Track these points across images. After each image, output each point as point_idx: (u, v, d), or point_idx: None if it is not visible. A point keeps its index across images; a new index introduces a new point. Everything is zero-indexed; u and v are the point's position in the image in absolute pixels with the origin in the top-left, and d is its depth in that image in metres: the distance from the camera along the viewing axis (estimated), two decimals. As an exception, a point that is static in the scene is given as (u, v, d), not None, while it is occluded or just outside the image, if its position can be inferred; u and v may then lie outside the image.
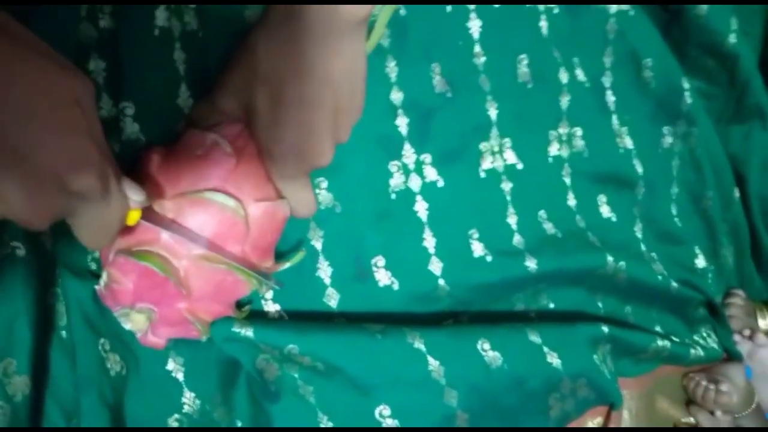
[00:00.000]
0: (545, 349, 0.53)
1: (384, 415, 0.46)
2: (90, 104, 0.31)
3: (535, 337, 0.52)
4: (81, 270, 0.41)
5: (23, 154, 0.28)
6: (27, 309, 0.39)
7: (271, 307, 0.46)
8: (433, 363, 0.47)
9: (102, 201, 0.31)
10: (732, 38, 0.66)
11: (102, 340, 0.42)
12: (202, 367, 0.44)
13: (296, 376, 0.44)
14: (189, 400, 0.43)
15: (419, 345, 0.47)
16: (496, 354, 0.50)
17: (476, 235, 0.52)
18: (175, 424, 0.43)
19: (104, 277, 0.38)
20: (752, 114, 0.70)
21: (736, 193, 0.72)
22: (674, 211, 0.70)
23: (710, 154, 0.70)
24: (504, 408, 0.51)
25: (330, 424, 0.44)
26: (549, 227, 0.56)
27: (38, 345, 0.40)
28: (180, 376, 0.43)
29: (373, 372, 0.46)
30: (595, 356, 0.56)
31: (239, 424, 0.44)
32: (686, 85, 0.68)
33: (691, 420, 0.68)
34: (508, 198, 0.54)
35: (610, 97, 0.65)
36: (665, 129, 0.69)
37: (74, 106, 0.30)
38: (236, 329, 0.42)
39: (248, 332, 0.42)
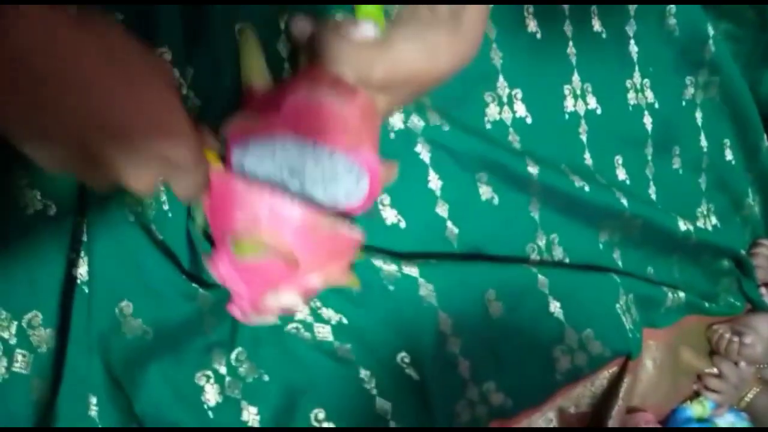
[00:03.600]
0: (549, 298, 0.53)
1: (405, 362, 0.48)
2: (176, 84, 0.37)
3: (542, 287, 0.53)
4: (111, 230, 0.42)
5: (137, 133, 0.32)
6: (55, 264, 0.41)
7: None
8: (442, 315, 0.48)
9: (195, 167, 0.35)
10: (762, -23, 0.64)
11: (124, 303, 0.43)
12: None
13: None
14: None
15: (431, 300, 0.48)
16: (500, 304, 0.51)
17: (485, 179, 0.52)
18: (203, 381, 0.45)
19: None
20: (783, 57, 0.68)
21: (765, 142, 0.70)
22: (703, 165, 0.69)
23: (734, 102, 0.68)
24: (506, 358, 0.51)
25: None
26: (576, 179, 0.55)
27: (64, 300, 0.42)
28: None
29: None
30: (617, 305, 0.56)
31: (266, 379, 0.46)
32: (711, 31, 0.67)
33: (714, 371, 0.67)
34: (520, 150, 0.54)
35: (633, 48, 0.64)
36: (687, 79, 0.68)
37: (174, 87, 0.35)
38: None
39: None
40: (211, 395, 0.44)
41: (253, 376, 0.45)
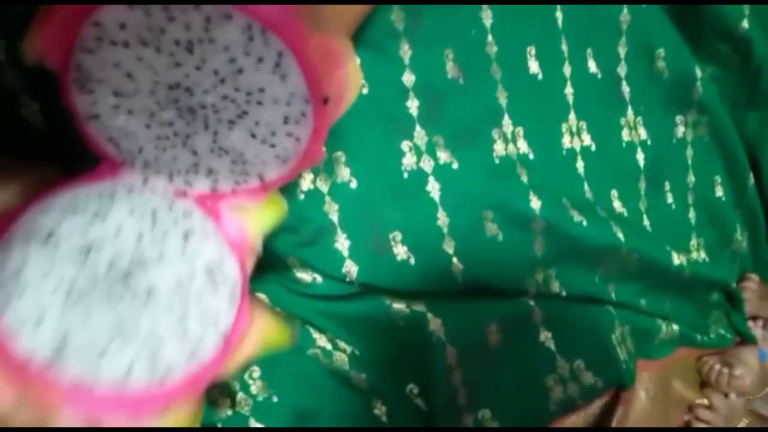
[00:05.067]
0: (541, 328, 0.55)
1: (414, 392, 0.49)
2: None
3: (536, 318, 0.54)
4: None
5: None
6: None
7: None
8: (449, 348, 0.50)
9: None
10: (745, 23, 0.67)
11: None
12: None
13: None
14: None
15: (439, 334, 0.50)
16: (499, 336, 0.52)
17: (490, 216, 0.54)
18: (215, 393, 0.47)
19: None
20: (766, 99, 0.71)
21: (751, 180, 0.73)
22: (690, 200, 0.72)
23: (722, 141, 0.71)
24: (501, 386, 0.53)
25: None
26: (575, 214, 0.57)
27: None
28: None
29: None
30: (613, 336, 0.57)
31: (275, 400, 0.47)
32: (699, 73, 0.70)
33: (705, 402, 0.69)
34: (527, 183, 0.56)
35: (625, 88, 0.67)
36: (678, 118, 0.71)
37: None
38: None
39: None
40: (222, 409, 0.45)
41: (264, 396, 0.46)
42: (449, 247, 0.52)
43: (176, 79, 0.31)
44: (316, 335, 0.48)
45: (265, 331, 0.35)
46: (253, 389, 0.46)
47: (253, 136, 0.34)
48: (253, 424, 0.45)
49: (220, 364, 0.33)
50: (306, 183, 0.48)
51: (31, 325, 0.30)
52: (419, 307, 0.49)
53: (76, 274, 0.31)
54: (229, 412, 0.45)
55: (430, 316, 0.49)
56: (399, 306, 0.48)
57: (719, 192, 0.74)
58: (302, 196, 0.48)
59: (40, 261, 0.31)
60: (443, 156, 0.51)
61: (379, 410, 0.48)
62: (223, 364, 0.33)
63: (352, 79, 0.36)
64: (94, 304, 0.31)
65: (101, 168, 0.34)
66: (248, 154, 0.34)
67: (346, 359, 0.48)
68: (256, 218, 0.37)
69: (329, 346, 0.48)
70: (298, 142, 0.34)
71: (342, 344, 0.48)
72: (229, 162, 0.35)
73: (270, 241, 0.47)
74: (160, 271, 0.33)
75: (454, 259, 0.52)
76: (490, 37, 0.55)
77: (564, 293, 0.59)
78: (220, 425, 0.45)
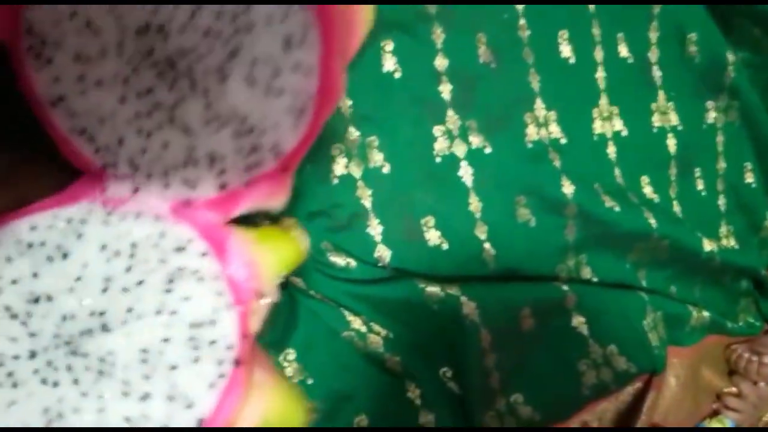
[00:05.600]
0: (574, 313, 0.54)
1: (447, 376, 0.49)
2: None
3: (570, 303, 0.54)
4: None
5: None
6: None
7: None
8: (483, 332, 0.50)
9: None
10: (779, 6, 0.66)
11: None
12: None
13: None
14: None
15: (474, 317, 0.49)
16: (532, 320, 0.52)
17: (523, 201, 0.53)
18: None
19: None
20: (800, 85, 0.70)
21: (784, 166, 0.72)
22: (719, 187, 0.71)
23: (753, 127, 0.70)
24: (534, 371, 0.53)
25: None
26: (606, 200, 0.57)
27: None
28: None
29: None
30: (644, 322, 0.57)
31: (310, 382, 0.47)
32: (731, 58, 0.69)
33: (734, 390, 0.69)
34: (559, 168, 0.56)
35: (656, 73, 0.66)
36: (708, 103, 0.70)
37: None
38: None
39: None
40: None
41: (299, 378, 0.47)
42: (481, 233, 0.52)
43: (144, 18, 0.26)
44: (350, 318, 0.48)
45: (268, 412, 0.28)
46: (289, 371, 0.47)
47: (253, 84, 0.27)
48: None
49: None
50: (339, 168, 0.48)
51: None
52: (453, 291, 0.49)
53: (12, 335, 0.25)
54: None
55: (464, 299, 0.49)
56: (433, 289, 0.48)
57: (749, 178, 0.73)
58: (336, 181, 0.48)
59: None
60: (476, 140, 0.51)
61: (413, 393, 0.48)
62: None
63: None
64: (27, 383, 0.25)
65: (78, 185, 0.28)
66: (253, 116, 0.28)
67: (381, 342, 0.48)
68: (273, 255, 0.30)
69: (364, 329, 0.48)
70: (309, 77, 0.27)
71: (376, 327, 0.48)
72: (232, 136, 0.28)
73: (303, 225, 0.47)
74: (123, 334, 0.26)
75: (486, 245, 0.52)
76: (522, 21, 0.55)
77: (595, 279, 0.59)
78: None
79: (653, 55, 0.66)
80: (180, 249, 0.27)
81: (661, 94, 0.66)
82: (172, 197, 0.28)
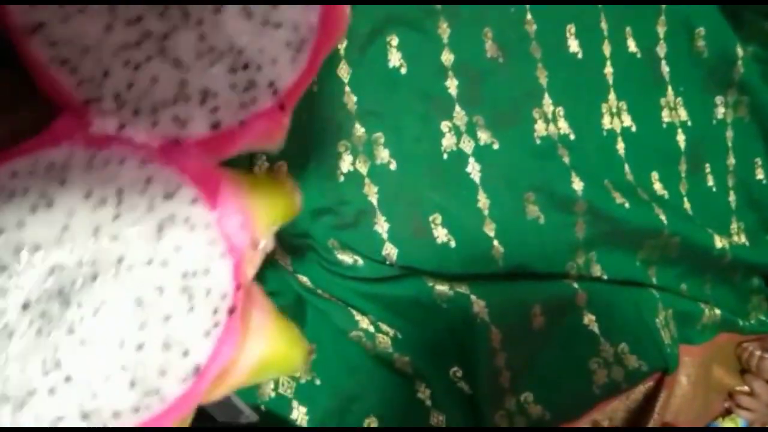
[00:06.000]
0: (585, 311, 0.54)
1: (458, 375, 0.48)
2: None
3: (580, 301, 0.53)
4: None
5: None
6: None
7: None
8: (493, 330, 0.49)
9: None
10: (790, 1, 0.65)
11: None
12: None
13: None
14: None
15: (483, 316, 0.49)
16: (543, 318, 0.51)
17: (532, 198, 0.53)
18: None
19: None
20: (810, 80, 0.70)
21: (795, 162, 0.71)
22: (730, 183, 0.70)
23: (763, 122, 0.69)
24: (544, 370, 0.52)
25: None
26: (617, 196, 0.56)
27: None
28: None
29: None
30: (656, 320, 0.56)
31: (317, 383, 0.46)
32: (740, 52, 0.68)
33: (746, 388, 0.68)
34: (568, 164, 0.55)
35: (665, 68, 0.65)
36: (718, 99, 0.69)
37: None
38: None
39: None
40: (265, 390, 0.45)
41: (307, 378, 0.46)
42: (490, 230, 0.51)
43: None
44: (358, 317, 0.48)
45: (265, 355, 0.27)
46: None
47: (250, 15, 0.26)
48: (296, 406, 0.45)
49: (187, 406, 0.25)
50: (346, 165, 0.47)
51: None
52: (462, 289, 0.48)
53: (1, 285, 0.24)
54: (272, 394, 0.45)
55: (473, 297, 0.48)
56: (442, 288, 0.48)
57: (760, 174, 0.72)
58: (342, 178, 0.47)
59: None
60: (484, 136, 0.50)
61: (423, 393, 0.48)
62: (193, 405, 0.26)
63: None
64: (18, 334, 0.24)
65: (57, 124, 0.26)
66: (250, 49, 0.26)
67: (390, 342, 0.47)
68: (267, 203, 0.29)
69: (372, 329, 0.47)
70: (310, 9, 0.26)
71: (385, 327, 0.47)
72: (227, 71, 0.26)
73: (310, 223, 0.46)
74: (116, 284, 0.25)
75: (495, 242, 0.51)
76: (529, 15, 0.54)
77: (605, 277, 0.58)
78: (263, 407, 0.45)
79: (661, 49, 0.65)
80: (168, 196, 0.26)
81: (670, 90, 0.65)
82: (161, 136, 0.26)
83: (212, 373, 0.25)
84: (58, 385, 0.24)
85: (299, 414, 0.45)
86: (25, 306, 0.24)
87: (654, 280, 0.61)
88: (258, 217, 0.27)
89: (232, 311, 0.26)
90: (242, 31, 0.26)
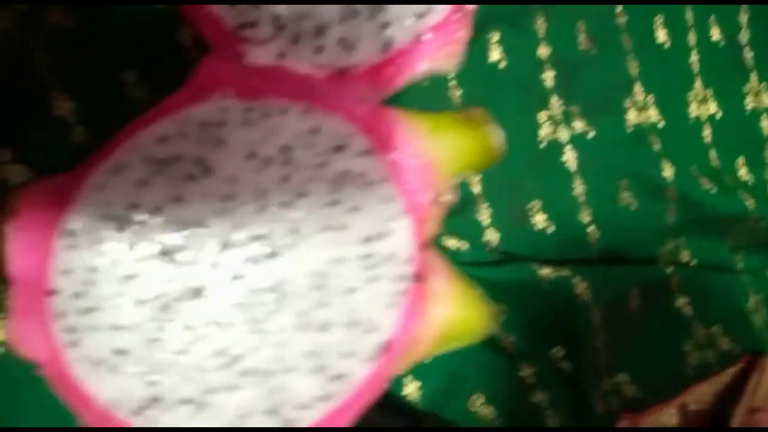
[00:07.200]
0: (678, 294, 0.55)
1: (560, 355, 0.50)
2: None
3: (673, 284, 0.55)
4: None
5: None
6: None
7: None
8: (595, 311, 0.51)
9: None
10: None
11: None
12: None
13: None
14: None
15: (586, 297, 0.51)
16: (638, 301, 0.53)
17: (625, 185, 0.54)
18: None
19: None
20: None
21: None
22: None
23: None
24: (639, 351, 0.54)
25: None
26: (704, 182, 0.58)
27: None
28: None
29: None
30: (747, 305, 0.58)
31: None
32: (829, 34, 0.68)
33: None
34: (659, 152, 0.56)
35: (748, 54, 0.66)
36: (804, 84, 0.69)
37: None
38: None
39: None
40: None
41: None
42: (585, 216, 0.53)
43: None
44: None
45: (450, 323, 0.26)
46: None
47: None
48: (409, 382, 0.48)
49: (375, 388, 0.24)
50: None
51: (110, 363, 0.21)
52: (565, 272, 0.50)
53: (167, 275, 0.21)
54: None
55: (576, 280, 0.50)
56: (545, 271, 0.50)
57: None
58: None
59: (118, 257, 0.20)
60: (579, 125, 0.52)
61: (526, 372, 0.50)
62: (381, 387, 0.24)
63: None
64: (197, 326, 0.21)
65: (203, 67, 0.21)
66: None
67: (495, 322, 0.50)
68: (451, 147, 0.25)
69: None
70: None
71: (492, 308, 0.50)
72: None
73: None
74: (292, 259, 0.22)
75: (590, 228, 0.53)
76: (619, 8, 0.56)
77: (694, 262, 0.59)
78: None
79: (744, 36, 0.65)
80: (339, 148, 0.23)
81: (753, 76, 0.66)
82: (326, 64, 0.22)
83: (399, 349, 0.24)
84: (238, 380, 0.22)
85: (413, 389, 0.48)
86: (197, 293, 0.22)
87: (741, 266, 0.62)
88: (441, 164, 0.24)
89: (417, 278, 0.24)
90: None
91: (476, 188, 0.51)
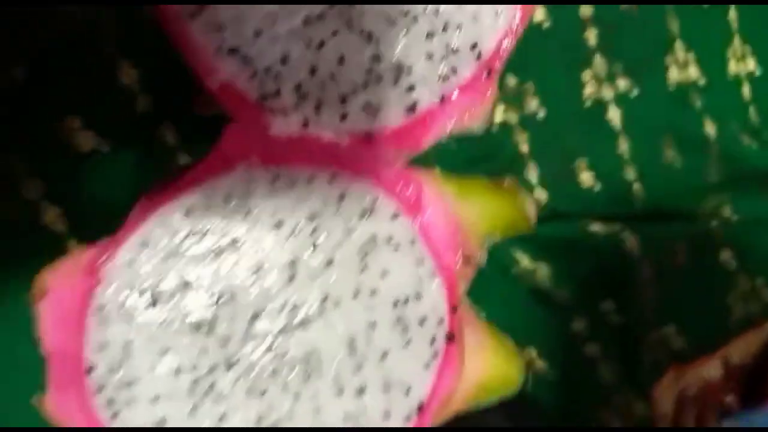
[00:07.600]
0: (723, 247, 0.56)
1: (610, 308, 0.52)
2: None
3: (718, 237, 0.56)
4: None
5: None
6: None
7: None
8: (645, 265, 0.53)
9: None
10: None
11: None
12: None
13: None
14: None
15: (636, 251, 0.52)
16: (684, 255, 0.54)
17: (669, 142, 0.55)
18: None
19: None
20: None
21: None
22: None
23: None
24: (686, 303, 0.55)
25: None
26: (745, 138, 0.59)
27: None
28: None
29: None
30: None
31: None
32: None
33: None
34: (701, 108, 0.57)
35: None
36: None
37: None
38: None
39: None
40: None
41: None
42: (630, 173, 0.54)
43: None
44: (518, 256, 0.51)
45: (484, 379, 0.26)
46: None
47: None
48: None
49: None
50: (498, 114, 0.51)
51: None
52: (614, 228, 0.51)
53: (201, 346, 0.21)
54: None
55: (625, 235, 0.51)
56: (595, 227, 0.51)
57: None
58: (495, 128, 0.50)
59: (151, 331, 0.21)
60: (622, 84, 0.53)
61: (579, 325, 0.51)
62: None
63: None
64: (231, 395, 0.22)
65: (228, 137, 0.21)
66: (445, 7, 0.22)
67: (547, 277, 0.51)
68: (480, 210, 0.25)
69: (531, 266, 0.51)
70: None
71: (543, 264, 0.51)
72: (424, 37, 0.22)
73: (468, 170, 0.50)
74: (324, 327, 0.22)
75: (636, 185, 0.54)
76: (658, -34, 0.56)
77: (735, 217, 0.60)
78: None
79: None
80: (365, 213, 0.23)
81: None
82: (350, 130, 0.22)
83: (435, 407, 0.24)
84: None
85: None
86: (229, 364, 0.22)
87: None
88: (471, 225, 0.25)
89: (450, 338, 0.24)
90: None
91: (524, 147, 0.52)
